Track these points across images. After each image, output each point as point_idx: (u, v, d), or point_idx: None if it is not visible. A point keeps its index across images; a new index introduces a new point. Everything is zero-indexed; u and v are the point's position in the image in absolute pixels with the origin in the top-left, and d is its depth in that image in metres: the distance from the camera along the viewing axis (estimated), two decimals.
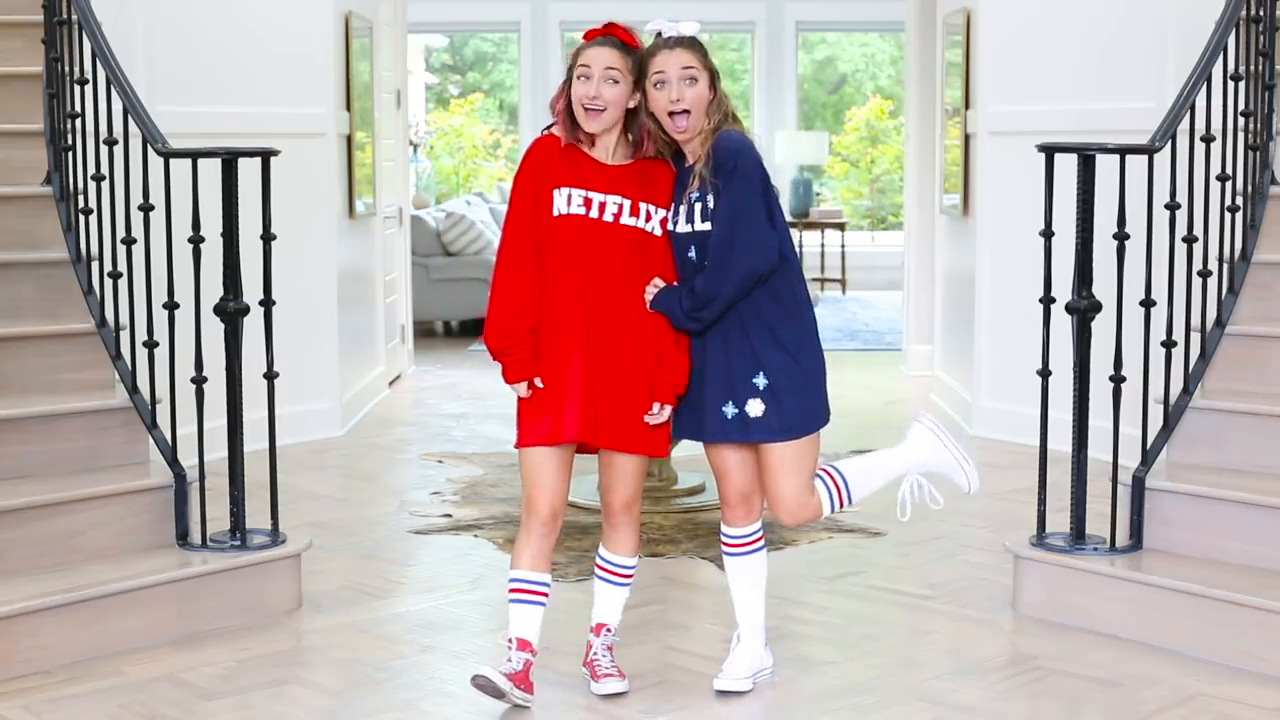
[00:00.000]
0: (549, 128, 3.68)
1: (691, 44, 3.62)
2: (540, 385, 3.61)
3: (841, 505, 3.79)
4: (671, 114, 3.58)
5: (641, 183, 3.65)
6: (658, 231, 3.66)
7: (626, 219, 3.62)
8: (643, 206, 3.63)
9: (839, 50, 17.67)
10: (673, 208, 3.66)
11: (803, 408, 3.65)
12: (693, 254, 3.63)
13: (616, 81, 3.58)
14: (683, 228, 3.63)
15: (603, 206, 3.61)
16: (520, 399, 3.66)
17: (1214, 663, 4.00)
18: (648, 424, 3.67)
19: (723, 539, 3.86)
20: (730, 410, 3.64)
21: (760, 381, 3.62)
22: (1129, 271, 4.36)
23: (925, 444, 3.91)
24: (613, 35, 3.63)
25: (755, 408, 3.62)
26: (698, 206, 3.60)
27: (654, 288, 3.65)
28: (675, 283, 3.67)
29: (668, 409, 3.68)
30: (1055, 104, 6.56)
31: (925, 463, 3.91)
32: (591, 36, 3.65)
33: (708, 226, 3.58)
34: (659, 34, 3.64)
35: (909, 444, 3.92)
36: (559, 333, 3.61)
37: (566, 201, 3.60)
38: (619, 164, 3.65)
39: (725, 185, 3.55)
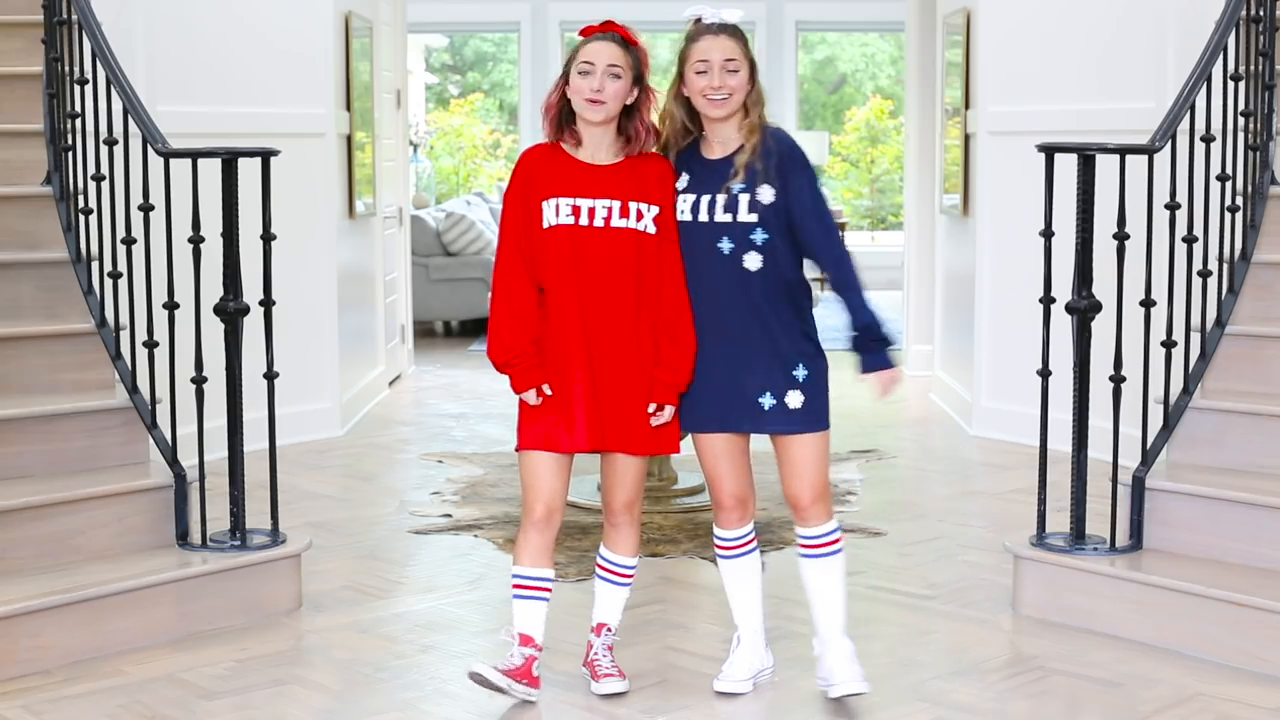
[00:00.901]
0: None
1: (734, 32, 3.60)
2: (549, 393, 3.61)
3: (836, 540, 3.73)
4: (709, 98, 3.57)
5: (632, 181, 3.62)
6: (651, 229, 3.61)
7: (617, 221, 3.59)
8: (632, 206, 3.60)
9: (839, 50, 17.68)
10: (695, 198, 3.60)
11: (828, 398, 3.69)
12: (724, 244, 3.58)
13: (619, 76, 3.57)
14: (720, 217, 3.58)
15: (592, 212, 3.58)
16: (523, 403, 3.66)
17: (1214, 663, 4.00)
18: (653, 425, 3.67)
19: (717, 542, 3.84)
20: (768, 401, 3.62)
21: (800, 373, 3.62)
22: (1129, 271, 4.36)
23: (851, 656, 3.72)
24: (613, 31, 3.63)
25: (795, 399, 3.62)
26: (742, 198, 3.56)
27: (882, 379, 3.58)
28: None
29: (668, 409, 3.67)
30: (1055, 104, 6.55)
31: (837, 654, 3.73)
32: (589, 33, 3.64)
33: (754, 218, 3.55)
34: (699, 19, 3.62)
35: (849, 653, 3.72)
36: (559, 341, 3.60)
37: (555, 212, 3.58)
38: (608, 163, 3.63)
39: (795, 179, 3.56)
